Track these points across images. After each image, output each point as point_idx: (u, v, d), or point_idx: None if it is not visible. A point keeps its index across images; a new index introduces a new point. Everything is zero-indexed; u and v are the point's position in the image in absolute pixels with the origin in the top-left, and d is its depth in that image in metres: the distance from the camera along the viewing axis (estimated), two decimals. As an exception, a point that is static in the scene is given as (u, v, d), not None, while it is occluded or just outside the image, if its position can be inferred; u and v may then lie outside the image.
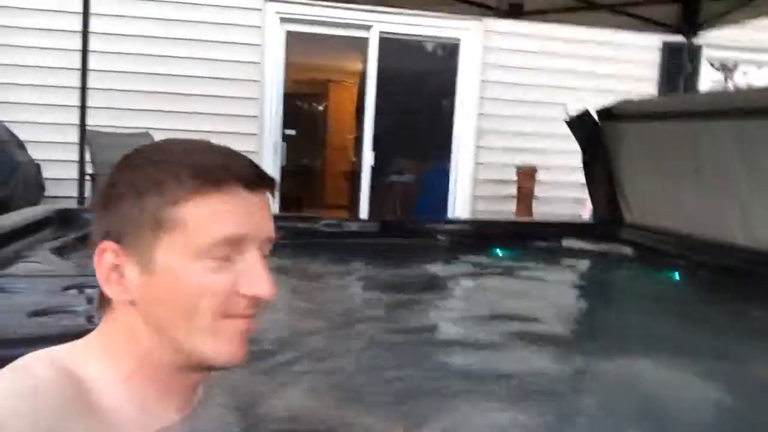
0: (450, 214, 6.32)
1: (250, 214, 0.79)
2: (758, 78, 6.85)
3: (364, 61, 6.28)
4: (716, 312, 2.34)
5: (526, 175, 6.09)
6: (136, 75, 5.59)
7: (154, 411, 0.80)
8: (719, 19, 3.70)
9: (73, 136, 4.56)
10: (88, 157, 4.93)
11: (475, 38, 6.29)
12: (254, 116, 5.94)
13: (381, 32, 6.16)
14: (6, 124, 5.17)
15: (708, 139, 2.78)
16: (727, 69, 7.02)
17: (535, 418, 1.34)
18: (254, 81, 5.91)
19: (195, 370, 0.81)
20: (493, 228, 3.78)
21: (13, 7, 5.38)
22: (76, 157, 4.45)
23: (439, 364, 1.69)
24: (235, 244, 0.77)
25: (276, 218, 0.80)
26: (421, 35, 6.42)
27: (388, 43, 6.22)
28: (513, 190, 6.22)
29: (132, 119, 5.53)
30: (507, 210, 6.19)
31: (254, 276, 0.78)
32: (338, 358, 1.64)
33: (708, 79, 6.79)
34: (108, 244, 0.77)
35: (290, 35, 6.03)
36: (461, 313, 2.34)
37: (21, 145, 5.24)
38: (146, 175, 0.77)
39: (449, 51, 6.48)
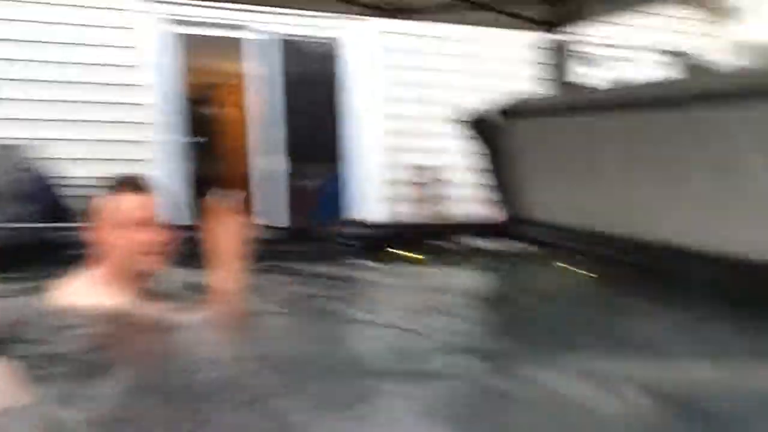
0: (353, 218, 6.27)
1: None
2: (628, 74, 7.20)
3: (258, 64, 6.14)
4: (613, 305, 2.40)
5: (430, 176, 6.15)
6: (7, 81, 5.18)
7: None
8: (582, 15, 3.90)
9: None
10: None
11: (365, 37, 6.29)
12: (149, 123, 5.66)
13: (261, 32, 6.03)
14: None
15: (597, 132, 2.85)
16: (595, 65, 7.34)
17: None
18: (140, 86, 5.63)
19: None
20: (395, 230, 3.76)
21: None
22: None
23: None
24: None
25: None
26: (315, 36, 6.34)
27: (284, 44, 6.11)
28: (418, 191, 6.25)
29: (10, 129, 5.12)
30: (413, 212, 6.22)
31: None
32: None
33: (580, 76, 7.07)
34: None
35: (182, 38, 5.80)
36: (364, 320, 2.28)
37: None
38: None
39: (335, 51, 6.43)
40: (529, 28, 4.18)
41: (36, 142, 5.00)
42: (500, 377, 1.62)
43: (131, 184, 1.90)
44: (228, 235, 1.88)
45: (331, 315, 2.20)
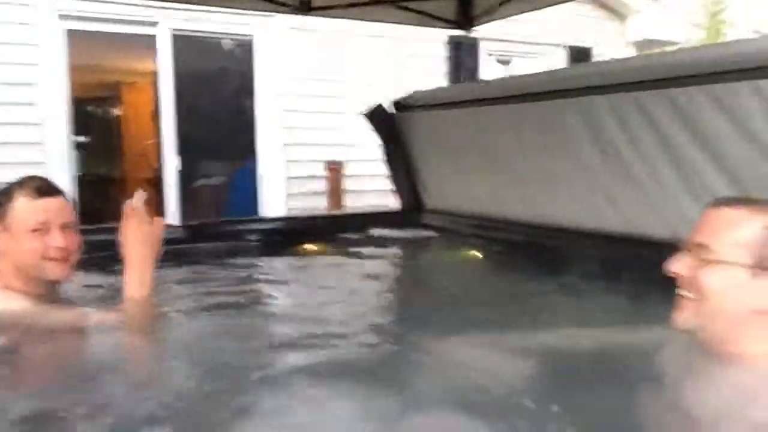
0: (262, 214, 6.25)
1: None
2: (532, 68, 7.58)
3: (156, 61, 5.98)
4: (510, 284, 2.56)
5: (334, 170, 6.22)
6: None
7: None
8: (490, 13, 4.04)
9: None
10: None
11: (272, 35, 6.26)
12: (37, 123, 5.40)
13: (172, 29, 5.90)
14: None
15: (489, 122, 3.01)
16: (505, 62, 7.70)
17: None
18: (31, 84, 5.37)
19: None
20: (302, 224, 3.80)
21: None
22: None
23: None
24: None
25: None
26: (214, 32, 6.24)
27: (180, 40, 5.98)
28: (323, 185, 6.30)
29: None
30: (319, 206, 6.27)
31: None
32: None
33: (490, 71, 7.40)
34: None
35: (71, 33, 5.55)
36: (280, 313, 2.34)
37: None
38: None
39: (245, 48, 6.39)
40: (440, 26, 4.28)
41: None
42: (405, 350, 1.74)
43: (33, 187, 1.82)
44: (140, 236, 1.85)
45: (239, 310, 2.23)
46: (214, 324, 2.05)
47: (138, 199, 1.89)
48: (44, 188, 1.83)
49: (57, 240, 1.79)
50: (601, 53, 7.74)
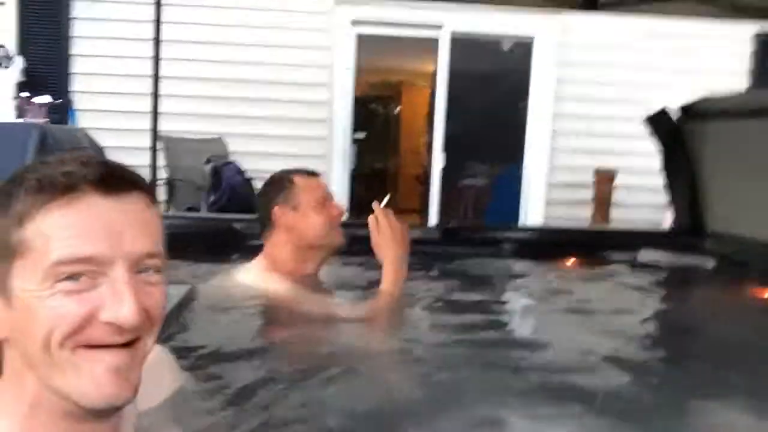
0: (522, 219, 6.08)
1: (107, 226, 0.69)
2: None
3: (435, 62, 6.16)
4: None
5: (604, 179, 5.78)
6: (206, 80, 5.69)
7: None
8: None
9: (146, 141, 4.70)
10: (160, 161, 5.07)
11: (550, 34, 6.04)
12: (323, 120, 5.94)
13: (452, 32, 6.02)
14: (86, 131, 5.38)
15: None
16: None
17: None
18: (322, 85, 5.91)
19: (84, 413, 0.71)
20: (562, 236, 3.57)
21: (89, 19, 5.64)
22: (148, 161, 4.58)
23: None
24: (90, 262, 0.68)
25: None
26: (493, 33, 6.22)
27: (459, 42, 6.07)
28: (589, 194, 5.90)
29: (204, 124, 5.64)
30: (582, 215, 5.89)
31: (113, 299, 0.68)
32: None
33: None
34: None
35: (361, 38, 5.98)
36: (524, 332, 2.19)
37: (100, 150, 5.43)
38: None
39: (523, 49, 6.25)
40: (750, 18, 3.68)
41: (230, 138, 5.52)
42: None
43: (301, 170, 2.05)
44: (391, 234, 1.93)
45: (482, 319, 2.13)
46: (450, 325, 2.01)
47: (385, 201, 2.00)
48: (309, 170, 2.06)
49: (337, 207, 2.02)
50: None
